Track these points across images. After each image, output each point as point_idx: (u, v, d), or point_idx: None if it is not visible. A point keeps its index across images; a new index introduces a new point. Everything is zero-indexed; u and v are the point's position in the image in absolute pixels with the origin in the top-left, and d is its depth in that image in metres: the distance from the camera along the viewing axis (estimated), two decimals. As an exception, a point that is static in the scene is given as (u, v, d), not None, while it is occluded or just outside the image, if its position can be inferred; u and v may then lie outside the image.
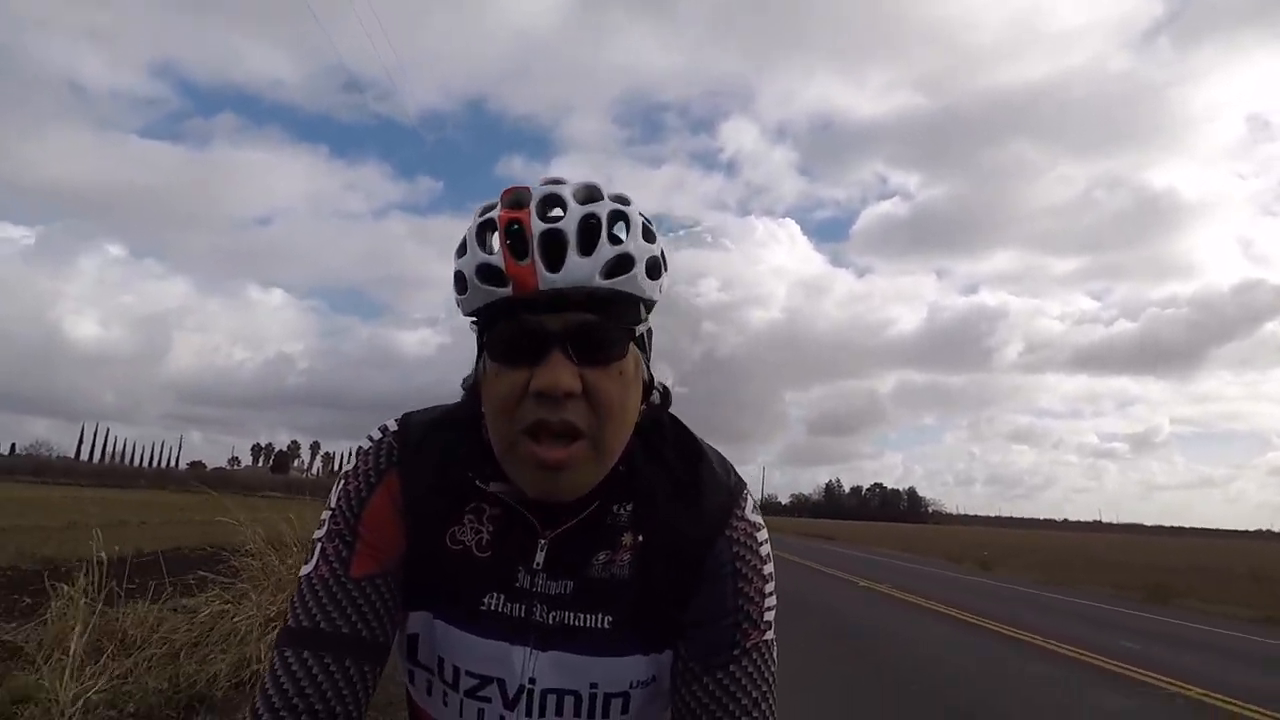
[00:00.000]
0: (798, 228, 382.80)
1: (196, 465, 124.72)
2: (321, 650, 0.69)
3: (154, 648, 4.49)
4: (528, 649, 0.73)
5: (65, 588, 4.60)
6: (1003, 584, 16.90)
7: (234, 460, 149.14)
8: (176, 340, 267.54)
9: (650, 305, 0.73)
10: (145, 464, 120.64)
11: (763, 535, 0.78)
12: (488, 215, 0.70)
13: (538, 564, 0.74)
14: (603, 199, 0.70)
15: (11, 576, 7.90)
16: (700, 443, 0.81)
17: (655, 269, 0.71)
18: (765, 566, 0.77)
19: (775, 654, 0.76)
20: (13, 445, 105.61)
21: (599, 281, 0.66)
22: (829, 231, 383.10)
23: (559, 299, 0.66)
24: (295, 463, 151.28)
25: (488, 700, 0.74)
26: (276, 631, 0.65)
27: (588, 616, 0.73)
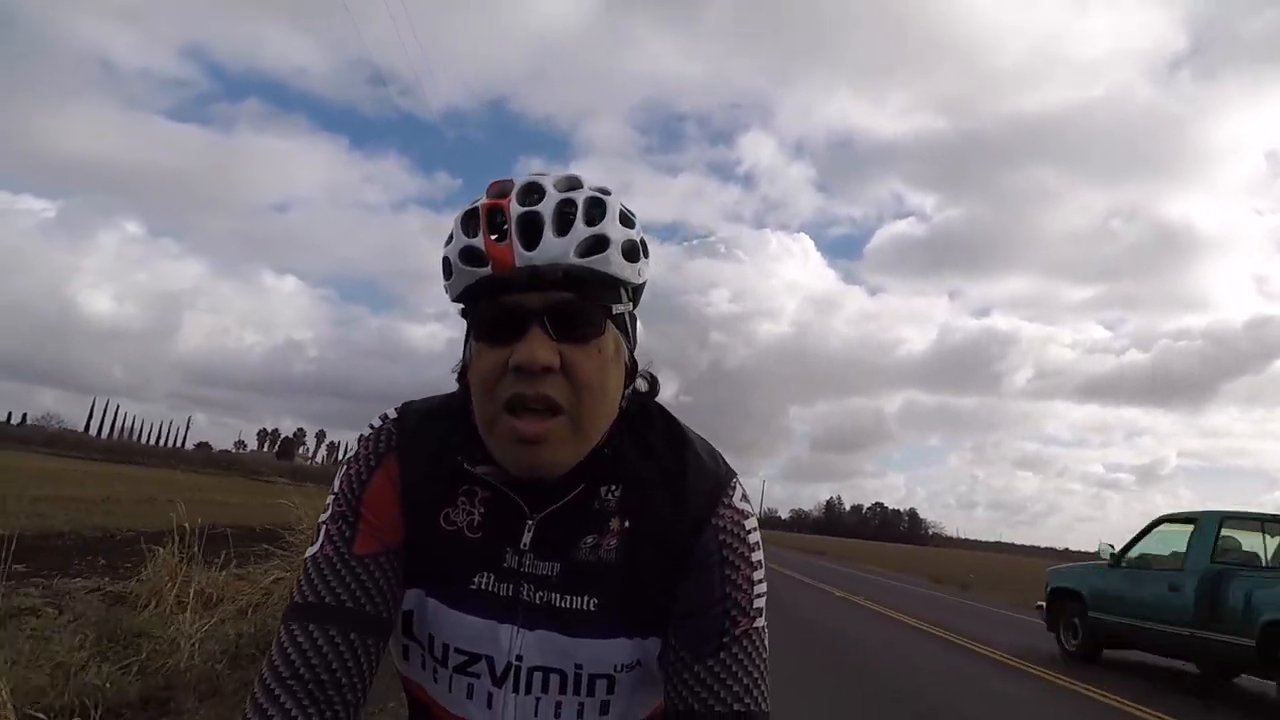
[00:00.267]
0: (812, 243, 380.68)
1: (203, 446, 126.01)
2: (327, 623, 0.71)
3: (227, 605, 5.53)
4: (515, 627, 0.75)
5: (160, 550, 5.65)
6: (972, 603, 17.82)
7: (240, 444, 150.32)
8: (188, 320, 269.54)
9: (632, 290, 0.76)
10: (153, 442, 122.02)
11: (751, 523, 0.79)
12: (473, 205, 0.73)
13: (525, 544, 0.75)
14: (582, 188, 0.73)
15: (87, 541, 9.02)
16: (687, 431, 0.82)
17: (633, 253, 0.73)
18: (754, 554, 0.77)
19: (767, 641, 0.77)
20: (24, 415, 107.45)
21: (574, 259, 0.69)
22: (843, 249, 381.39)
23: (537, 277, 0.68)
24: (300, 450, 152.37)
25: (476, 676, 0.76)
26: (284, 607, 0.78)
27: (574, 598, 0.75)
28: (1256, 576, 6.76)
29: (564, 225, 0.69)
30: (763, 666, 0.75)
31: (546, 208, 0.70)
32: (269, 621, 5.16)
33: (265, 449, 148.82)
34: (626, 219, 0.73)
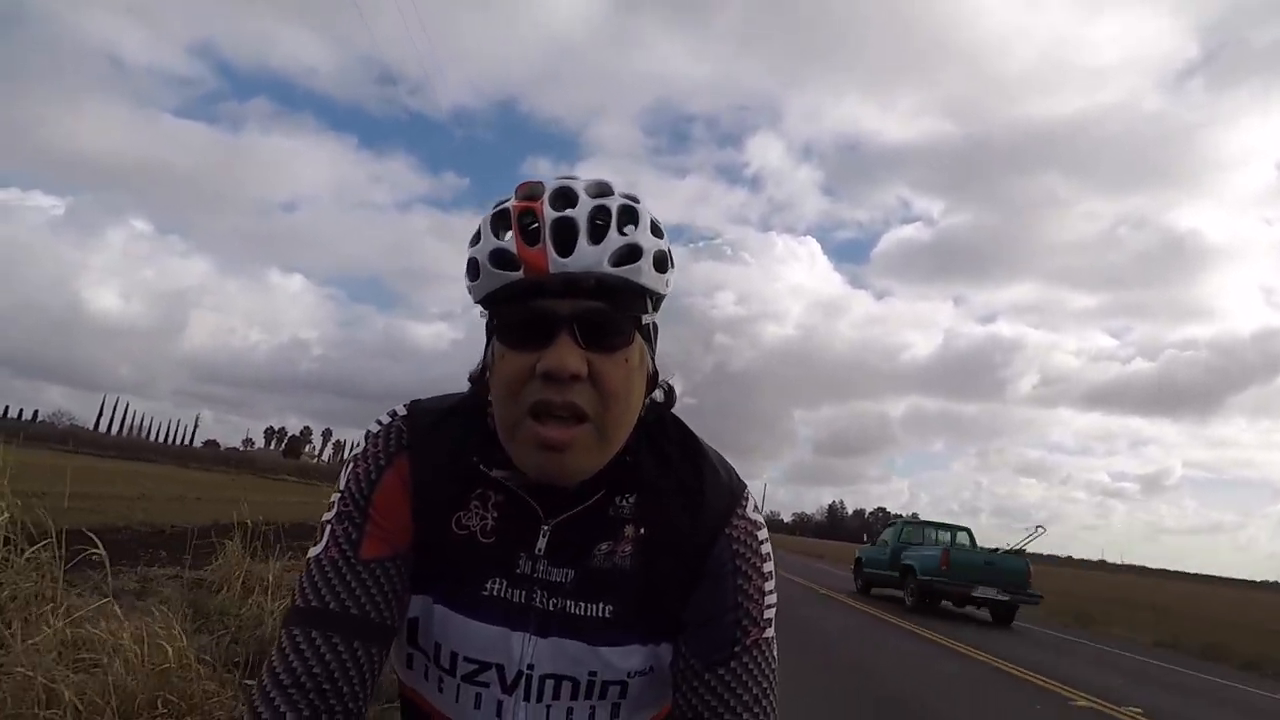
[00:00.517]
0: (818, 246, 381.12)
1: (211, 444, 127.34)
2: (329, 630, 0.69)
3: (285, 591, 6.54)
4: (527, 635, 0.74)
5: (229, 543, 6.70)
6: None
7: (248, 441, 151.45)
8: (194, 318, 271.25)
9: (657, 300, 0.76)
10: (162, 439, 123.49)
11: (763, 534, 0.80)
12: (502, 206, 0.73)
13: (539, 550, 0.75)
14: (613, 194, 0.72)
15: (142, 536, 10.10)
16: (702, 442, 0.82)
17: (662, 263, 0.73)
18: (765, 565, 0.78)
19: (775, 651, 0.77)
20: (35, 412, 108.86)
21: (607, 268, 0.68)
22: (849, 252, 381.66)
23: (568, 284, 0.68)
24: (307, 448, 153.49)
25: (485, 685, 0.75)
26: (285, 610, 0.75)
27: (588, 605, 0.74)
28: (910, 548, 14.87)
29: (598, 232, 0.69)
30: (772, 677, 0.75)
31: (580, 214, 0.69)
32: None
33: (272, 447, 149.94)
34: (656, 229, 0.73)
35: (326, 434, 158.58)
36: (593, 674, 0.74)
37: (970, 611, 14.28)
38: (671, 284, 0.76)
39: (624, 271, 0.70)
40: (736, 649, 0.74)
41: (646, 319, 0.74)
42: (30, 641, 2.90)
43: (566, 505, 0.75)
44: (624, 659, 0.75)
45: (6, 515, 4.07)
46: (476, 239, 0.73)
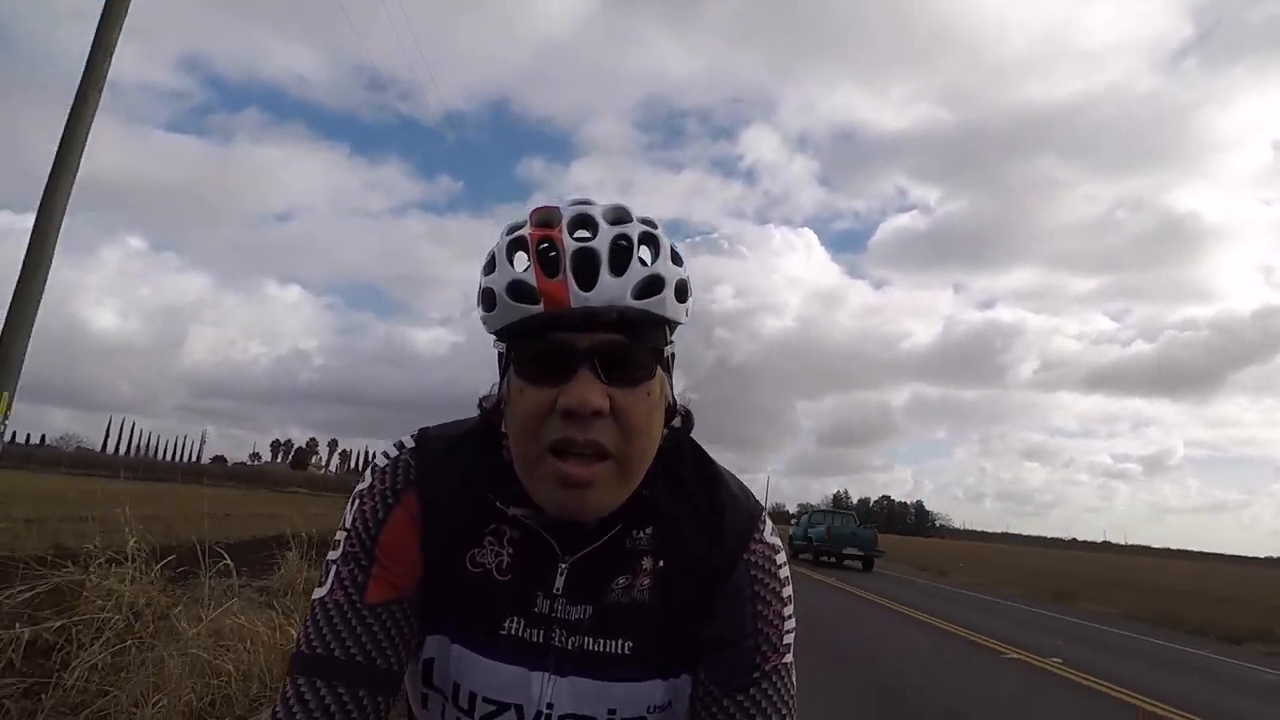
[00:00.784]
0: (815, 238, 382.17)
1: (218, 460, 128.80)
2: (334, 679, 0.68)
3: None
4: (546, 674, 0.73)
5: (290, 554, 7.79)
6: (942, 585, 20.27)
7: (255, 455, 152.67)
8: (192, 333, 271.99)
9: (674, 328, 0.74)
10: (169, 457, 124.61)
11: (781, 558, 0.79)
12: (517, 233, 0.70)
13: (558, 589, 0.74)
14: (632, 220, 0.71)
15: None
16: (717, 466, 0.81)
17: (683, 292, 0.72)
18: (784, 589, 0.77)
19: (794, 677, 0.76)
20: (43, 436, 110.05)
21: (630, 301, 0.67)
22: (847, 243, 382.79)
23: (589, 318, 0.66)
24: (314, 459, 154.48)
25: None
26: (290, 656, 0.71)
27: (607, 642, 0.73)
28: (813, 526, 24.26)
29: (619, 263, 0.68)
30: (791, 703, 0.75)
31: (601, 244, 0.68)
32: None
33: (279, 460, 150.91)
34: (676, 256, 0.72)
35: (333, 444, 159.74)
36: (612, 712, 0.73)
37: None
38: (691, 312, 0.74)
39: (647, 304, 0.68)
40: (756, 675, 0.73)
41: (667, 350, 0.73)
42: (193, 631, 4.03)
43: (584, 541, 0.74)
44: (644, 695, 0.74)
45: (133, 540, 5.20)
46: (490, 267, 0.70)
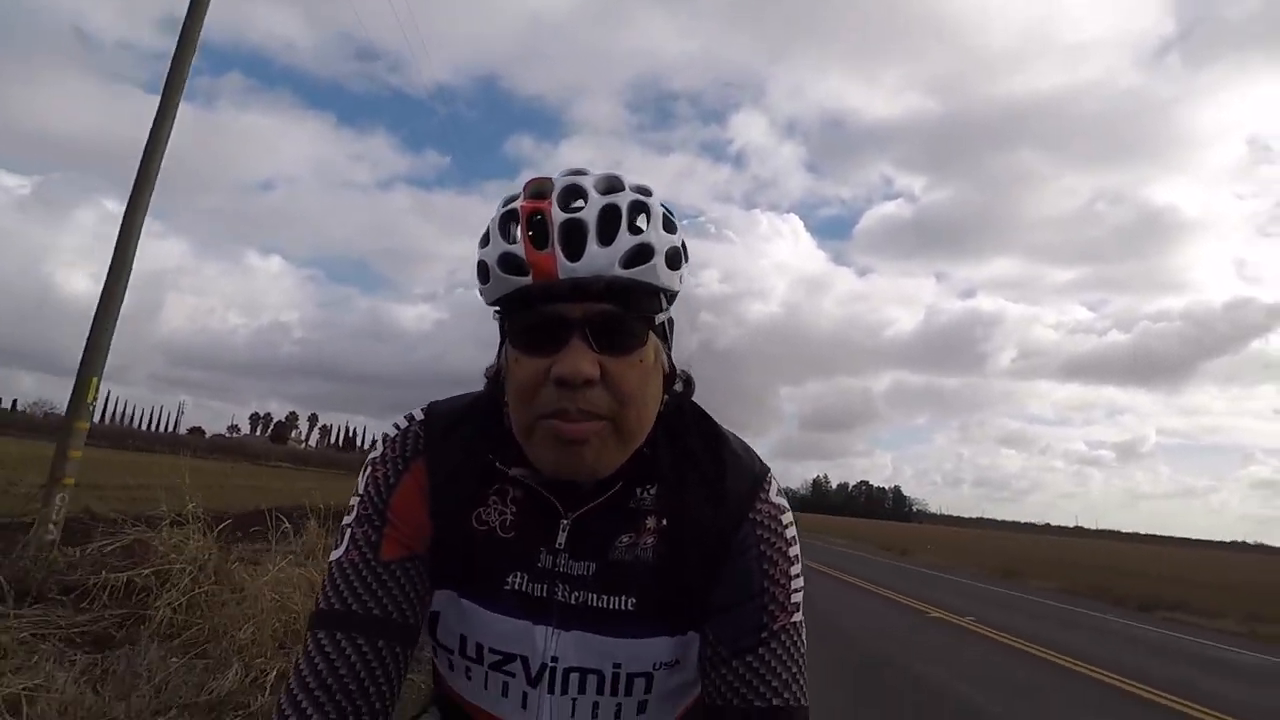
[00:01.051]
0: (801, 224, 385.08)
1: (196, 431, 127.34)
2: (354, 632, 0.70)
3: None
4: (549, 628, 0.74)
5: (311, 522, 8.71)
6: (900, 563, 21.67)
7: (234, 428, 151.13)
8: (170, 301, 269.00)
9: (671, 295, 0.75)
10: (146, 427, 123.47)
11: (787, 518, 0.79)
12: (510, 206, 0.71)
13: (560, 544, 0.75)
14: (624, 189, 0.71)
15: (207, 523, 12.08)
16: (721, 427, 0.82)
17: (675, 259, 0.72)
18: (791, 549, 0.78)
19: (804, 635, 0.76)
20: (14, 402, 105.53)
21: (618, 271, 0.68)
22: (832, 229, 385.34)
23: (579, 288, 0.67)
24: (294, 433, 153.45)
25: (511, 675, 0.76)
26: (309, 615, 0.73)
27: (610, 598, 0.74)
28: None
29: (608, 233, 0.68)
30: (801, 661, 0.74)
31: (589, 214, 0.69)
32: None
33: (258, 433, 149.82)
34: (669, 223, 0.72)
35: (313, 419, 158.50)
36: (617, 666, 0.75)
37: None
38: (686, 278, 0.75)
39: (635, 273, 0.69)
40: (764, 635, 0.73)
41: (660, 317, 0.74)
42: (262, 580, 5.00)
43: (585, 499, 0.75)
44: (648, 651, 0.75)
45: (193, 504, 6.14)
46: (485, 240, 0.72)
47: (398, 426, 0.81)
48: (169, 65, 6.93)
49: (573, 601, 0.75)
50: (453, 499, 0.77)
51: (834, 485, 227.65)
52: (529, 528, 0.76)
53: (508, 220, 0.71)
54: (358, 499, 0.78)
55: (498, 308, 0.74)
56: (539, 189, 0.72)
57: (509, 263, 0.69)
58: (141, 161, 6.58)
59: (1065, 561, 26.55)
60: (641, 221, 0.71)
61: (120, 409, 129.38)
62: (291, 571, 5.29)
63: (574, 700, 0.76)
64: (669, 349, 0.78)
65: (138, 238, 6.52)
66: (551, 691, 0.75)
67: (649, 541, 0.76)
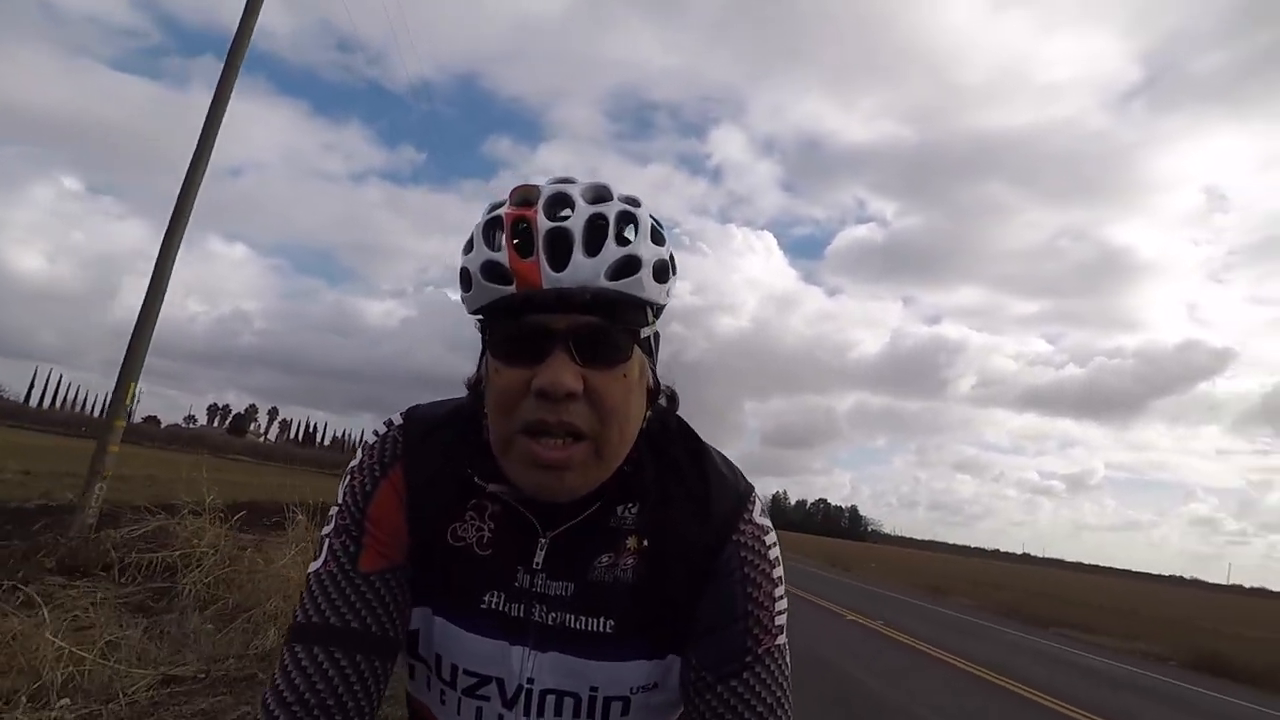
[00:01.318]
0: (775, 241, 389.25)
1: (152, 420, 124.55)
2: (332, 645, 0.69)
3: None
4: (526, 649, 0.73)
5: (299, 515, 9.64)
6: (839, 578, 23.24)
7: (190, 419, 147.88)
8: (127, 284, 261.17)
9: (658, 309, 0.73)
10: (100, 413, 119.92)
11: (771, 538, 0.77)
12: (495, 213, 0.70)
13: (537, 564, 0.74)
14: (612, 199, 0.70)
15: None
16: (707, 446, 0.80)
17: (663, 272, 0.71)
18: (775, 570, 0.76)
19: (788, 658, 0.75)
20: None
21: (604, 282, 0.66)
22: (804, 249, 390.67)
23: (563, 299, 0.66)
24: (252, 426, 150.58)
25: (485, 699, 0.74)
26: (287, 628, 0.72)
27: (589, 619, 0.73)
28: None
29: (594, 244, 0.67)
30: (786, 685, 0.74)
31: (576, 223, 0.67)
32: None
33: (216, 425, 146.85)
34: (658, 235, 0.71)
35: (273, 412, 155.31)
36: (594, 689, 0.73)
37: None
38: (673, 292, 0.74)
39: (621, 285, 0.67)
40: (749, 659, 0.72)
41: (646, 331, 0.72)
42: (280, 563, 6.05)
43: (564, 517, 0.73)
44: (627, 674, 0.74)
45: (212, 496, 7.14)
46: (469, 247, 0.70)
47: (377, 433, 0.79)
48: (208, 107, 7.81)
49: (550, 622, 0.73)
50: (429, 509, 0.76)
51: (793, 502, 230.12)
52: (506, 546, 0.75)
53: (492, 227, 0.70)
54: (336, 509, 0.76)
55: (480, 316, 0.72)
56: (525, 196, 0.71)
57: (492, 271, 0.68)
58: (180, 191, 7.49)
59: (990, 583, 28.46)
60: (629, 232, 0.70)
61: (73, 394, 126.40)
62: (307, 556, 6.27)
63: None
64: (654, 364, 0.76)
65: (174, 259, 7.45)
66: (527, 714, 0.74)
67: (629, 562, 0.75)
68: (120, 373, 7.24)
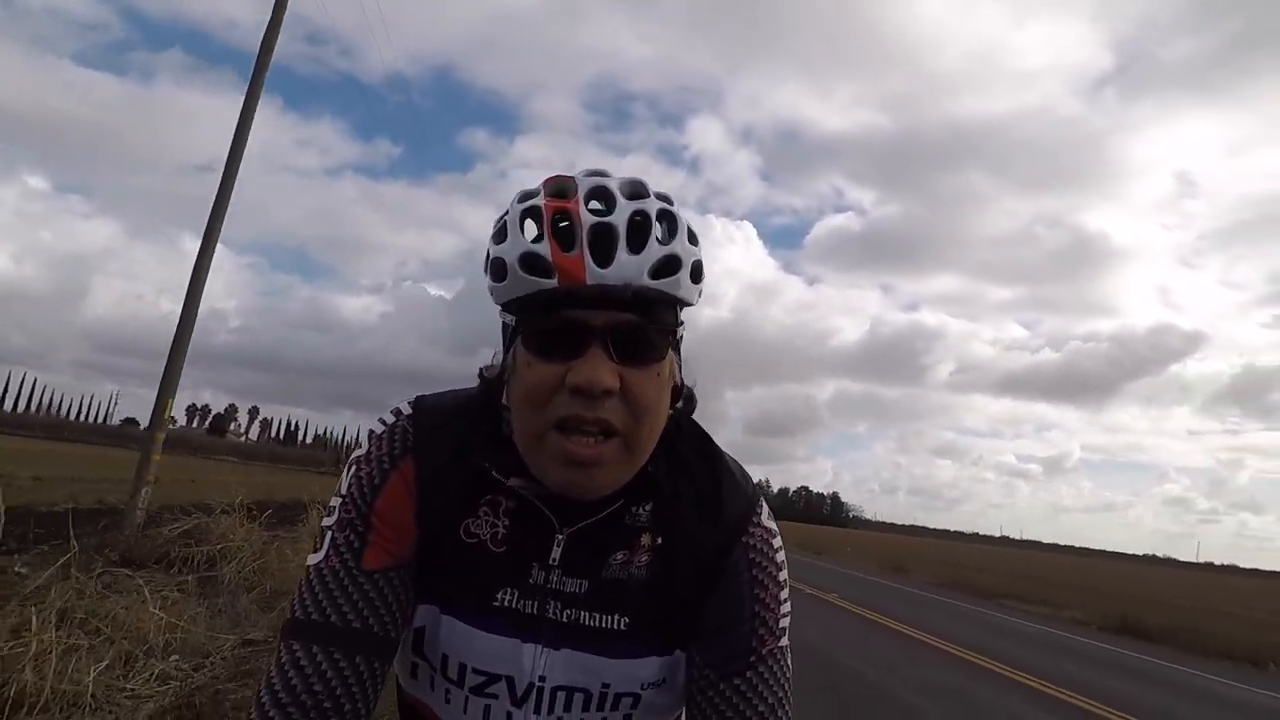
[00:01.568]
0: (754, 231, 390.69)
1: (130, 422, 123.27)
2: (330, 645, 0.68)
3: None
4: (539, 646, 0.73)
5: (313, 511, 10.61)
6: (811, 560, 24.65)
7: (169, 420, 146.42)
8: (97, 284, 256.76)
9: (684, 308, 0.74)
10: (76, 416, 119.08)
11: (778, 542, 0.79)
12: (530, 202, 0.69)
13: (553, 560, 0.74)
14: (649, 196, 0.70)
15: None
16: (719, 448, 0.81)
17: (698, 273, 0.71)
18: (780, 573, 0.78)
19: (790, 660, 0.77)
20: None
21: (646, 280, 0.66)
22: (783, 238, 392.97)
23: (603, 295, 0.65)
24: (232, 426, 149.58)
25: (494, 697, 0.74)
26: (284, 622, 0.71)
27: (603, 616, 0.73)
28: None
29: (638, 241, 0.67)
30: (787, 685, 0.75)
31: (619, 219, 0.67)
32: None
33: (195, 425, 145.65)
34: (693, 235, 0.71)
35: (254, 411, 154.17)
36: (605, 685, 0.73)
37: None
38: (704, 293, 0.74)
39: (662, 284, 0.67)
40: (753, 659, 0.73)
41: (679, 330, 0.73)
42: (306, 555, 7.09)
43: (582, 514, 0.73)
44: (638, 670, 0.74)
45: (240, 497, 8.15)
46: (501, 236, 0.69)
47: (384, 422, 0.77)
48: (234, 129, 8.60)
49: (564, 619, 0.73)
50: (442, 504, 0.74)
51: (775, 490, 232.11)
52: (522, 542, 0.74)
53: (529, 217, 0.69)
54: (340, 500, 0.74)
55: (509, 308, 0.71)
56: (561, 187, 0.70)
57: (532, 263, 0.66)
58: (212, 209, 8.22)
59: (951, 562, 29.97)
60: (670, 232, 0.70)
61: (46, 397, 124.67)
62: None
63: (559, 719, 0.74)
64: (679, 363, 0.75)
65: (206, 276, 8.24)
66: (537, 712, 0.73)
67: (643, 559, 0.75)
68: (160, 387, 8.17)
